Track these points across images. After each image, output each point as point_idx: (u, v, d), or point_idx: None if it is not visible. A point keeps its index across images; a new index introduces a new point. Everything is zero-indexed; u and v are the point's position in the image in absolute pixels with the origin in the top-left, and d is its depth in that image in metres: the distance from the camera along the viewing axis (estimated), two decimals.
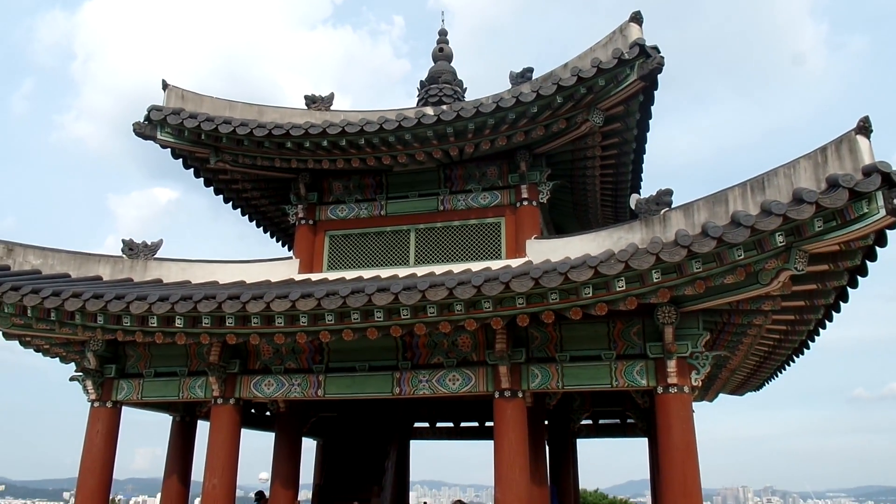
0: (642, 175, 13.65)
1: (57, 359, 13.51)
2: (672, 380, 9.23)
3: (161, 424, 14.18)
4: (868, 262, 8.55)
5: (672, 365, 9.22)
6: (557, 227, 15.55)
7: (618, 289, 8.36)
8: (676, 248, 7.95)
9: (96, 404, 11.90)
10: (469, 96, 15.60)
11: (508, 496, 9.55)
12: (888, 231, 8.00)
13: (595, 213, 14.68)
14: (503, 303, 8.83)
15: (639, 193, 14.19)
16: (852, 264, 8.38)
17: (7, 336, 12.08)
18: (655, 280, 8.27)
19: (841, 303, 9.54)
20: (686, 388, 9.25)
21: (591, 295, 8.50)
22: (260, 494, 14.26)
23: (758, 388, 15.10)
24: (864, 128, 7.81)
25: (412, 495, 18.69)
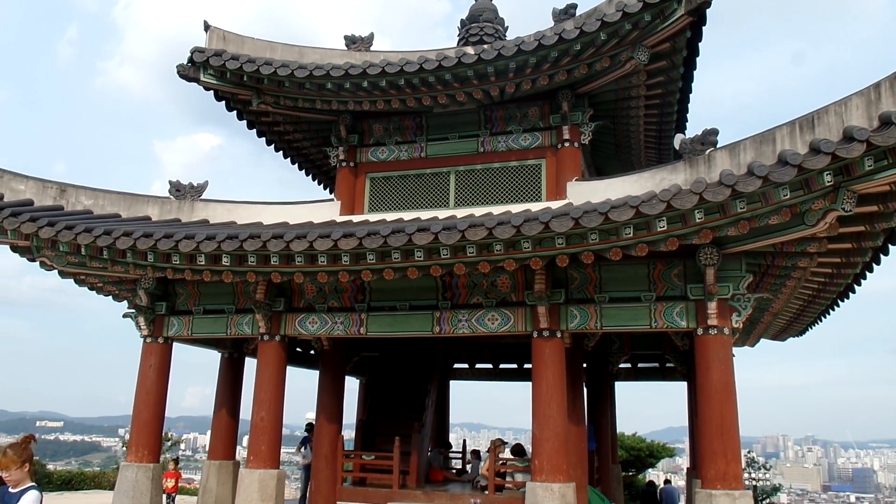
0: (688, 115, 13.36)
1: (110, 297, 14.07)
2: (712, 321, 9.20)
3: (210, 365, 14.72)
4: None
5: (712, 307, 9.18)
6: (599, 170, 15.38)
7: (659, 229, 8.30)
8: (720, 188, 7.83)
9: (149, 340, 12.40)
10: (511, 35, 15.31)
11: (545, 432, 9.76)
12: None
13: (638, 155, 14.45)
14: (542, 243, 8.85)
15: (684, 134, 13.91)
16: None
17: (63, 274, 12.58)
18: (698, 220, 8.18)
19: (890, 245, 9.32)
20: (726, 330, 9.23)
21: (631, 235, 8.46)
22: (310, 426, 14.79)
23: (800, 333, 14.94)
24: None
25: (452, 436, 19.16)
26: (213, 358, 14.67)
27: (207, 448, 14.94)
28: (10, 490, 5.05)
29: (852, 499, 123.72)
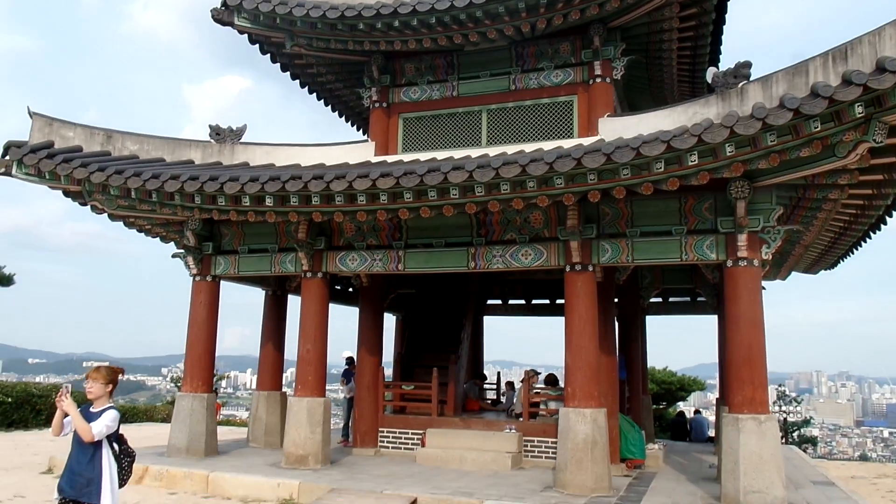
0: (721, 48, 13.24)
1: (157, 238, 14.68)
2: (742, 253, 9.41)
3: (248, 306, 15.34)
4: None
5: (742, 239, 9.38)
6: (632, 105, 15.34)
7: (690, 163, 8.46)
8: (751, 121, 7.94)
9: (197, 278, 13.01)
10: None
11: (578, 361, 10.18)
12: None
13: (671, 89, 14.39)
14: (575, 179, 9.08)
15: (717, 68, 13.81)
16: None
17: (113, 217, 13.16)
18: (729, 154, 8.32)
19: None
20: (756, 262, 9.44)
21: (662, 170, 8.64)
22: (350, 359, 15.43)
23: (832, 266, 15.01)
24: None
25: (486, 372, 19.77)
26: (251, 299, 15.33)
27: (249, 386, 15.73)
28: (91, 409, 5.63)
29: (885, 433, 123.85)
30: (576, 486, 9.63)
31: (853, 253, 13.64)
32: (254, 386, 15.61)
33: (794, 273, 16.68)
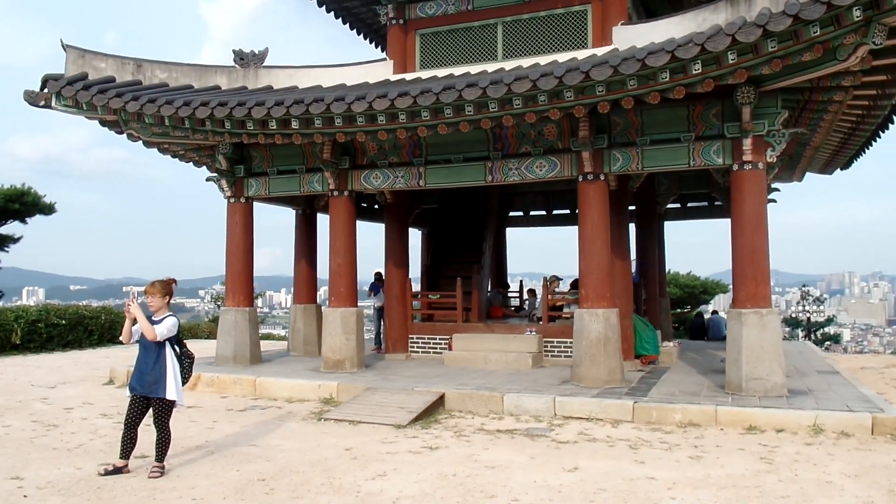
0: None
1: (191, 163, 15.38)
2: (747, 157, 9.79)
3: (277, 227, 16.12)
4: None
5: (748, 143, 9.73)
6: (649, 10, 15.30)
7: (694, 72, 8.76)
8: (752, 28, 8.18)
9: (232, 200, 13.74)
10: None
11: (591, 265, 10.80)
12: None
13: None
14: (584, 91, 9.44)
15: None
16: None
17: (147, 144, 13.81)
18: (731, 61, 8.59)
19: None
20: (760, 165, 9.83)
21: (668, 80, 8.95)
22: (378, 274, 16.27)
23: (846, 165, 15.22)
24: None
25: (515, 282, 20.53)
26: (280, 221, 16.05)
27: (284, 305, 16.66)
28: (154, 318, 6.44)
29: None
30: (590, 380, 10.45)
31: (864, 152, 13.84)
32: (288, 304, 16.59)
33: (815, 175, 16.91)
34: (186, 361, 6.66)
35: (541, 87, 9.29)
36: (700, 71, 8.76)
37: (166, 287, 6.54)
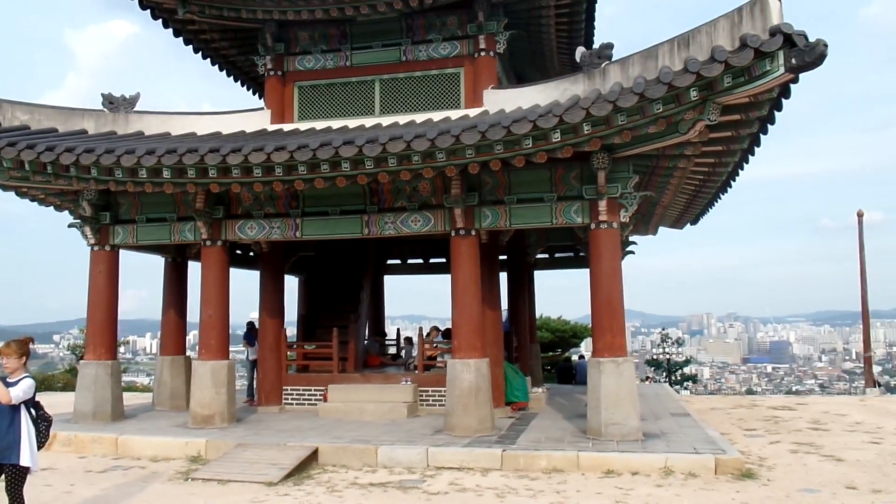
0: (595, 26, 14.31)
1: (51, 207, 14.61)
2: (603, 217, 10.60)
3: (145, 268, 15.62)
4: (776, 112, 9.67)
5: (603, 204, 10.56)
6: (518, 74, 16.31)
7: (554, 140, 9.48)
8: (604, 104, 9.00)
9: (96, 248, 13.16)
10: None
11: (463, 317, 11.21)
12: (791, 85, 9.04)
13: (552, 60, 15.40)
14: (455, 153, 9.94)
15: (592, 43, 14.91)
16: (761, 114, 9.50)
17: (4, 188, 13.04)
18: (587, 131, 9.38)
19: (755, 147, 10.77)
20: (615, 224, 10.66)
21: (531, 145, 9.62)
22: (251, 324, 15.96)
23: (695, 221, 16.69)
24: None
25: (393, 328, 20.70)
26: (148, 261, 15.50)
27: (149, 351, 16.03)
28: (9, 380, 6.14)
29: (769, 369, 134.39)
30: (462, 429, 10.75)
31: (709, 211, 15.27)
32: (153, 350, 16.07)
33: (666, 228, 18.35)
34: (43, 424, 6.36)
35: (414, 148, 9.70)
36: (560, 139, 9.49)
37: (23, 347, 6.25)
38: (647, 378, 32.48)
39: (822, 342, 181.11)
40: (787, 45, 8.36)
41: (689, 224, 17.07)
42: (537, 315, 25.21)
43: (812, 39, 8.32)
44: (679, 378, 34.92)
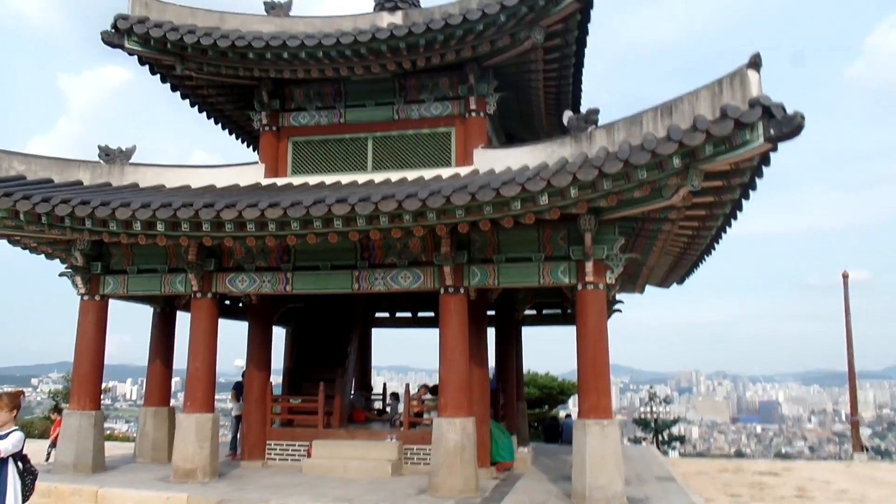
0: (582, 87, 14.76)
1: (42, 255, 14.68)
2: (589, 278, 10.77)
3: (128, 312, 15.56)
4: (757, 179, 9.96)
5: (589, 266, 10.73)
6: (508, 132, 16.69)
7: (542, 202, 9.69)
8: (590, 169, 9.25)
9: (86, 298, 13.19)
10: (424, 2, 16.24)
11: (450, 374, 11.24)
12: (771, 153, 9.33)
13: (541, 120, 15.80)
14: (446, 213, 10.13)
15: (580, 103, 15.37)
16: (742, 181, 9.78)
17: None
18: (574, 195, 9.60)
19: (738, 211, 11.05)
20: (601, 286, 10.82)
21: (520, 208, 9.83)
22: (239, 385, 15.78)
23: (681, 281, 16.90)
24: (755, 63, 8.98)
25: (380, 379, 20.62)
26: (129, 306, 15.25)
27: (129, 397, 15.90)
28: None
29: (758, 429, 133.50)
30: (446, 489, 10.67)
31: (694, 272, 15.49)
32: (134, 397, 15.96)
33: (653, 286, 18.55)
34: (29, 478, 6.36)
35: (406, 208, 9.89)
36: (547, 201, 9.70)
37: (14, 400, 6.28)
38: (643, 439, 32.25)
39: (812, 402, 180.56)
40: (767, 116, 8.67)
41: (675, 283, 17.28)
42: (525, 371, 25.18)
43: (790, 111, 8.64)
44: (667, 438, 34.72)
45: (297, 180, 13.62)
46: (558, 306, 18.53)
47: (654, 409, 35.34)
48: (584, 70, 14.09)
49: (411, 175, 12.97)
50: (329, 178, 13.49)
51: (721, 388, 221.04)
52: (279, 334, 17.44)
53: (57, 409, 19.71)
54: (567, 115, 11.45)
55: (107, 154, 13.64)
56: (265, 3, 14.42)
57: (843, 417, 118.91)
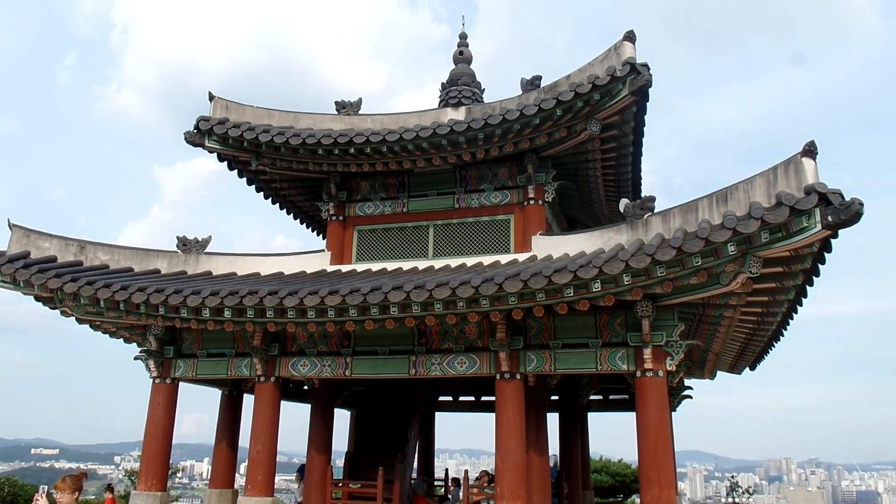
0: (641, 172, 14.85)
1: (121, 340, 15.47)
2: (648, 365, 10.58)
3: (208, 392, 15.98)
4: (819, 265, 9.73)
5: (648, 353, 10.57)
6: (569, 217, 16.85)
7: (594, 289, 9.72)
8: (642, 256, 9.26)
9: (157, 380, 13.76)
10: (487, 96, 16.87)
11: (507, 463, 11.09)
12: (832, 240, 9.15)
13: (600, 206, 15.91)
14: (499, 300, 10.26)
15: (640, 189, 15.42)
16: (804, 267, 9.57)
17: (80, 321, 13.98)
18: (627, 282, 9.60)
19: (802, 298, 10.75)
20: (661, 373, 10.60)
21: (572, 294, 9.87)
22: (303, 468, 15.95)
23: (752, 367, 16.29)
24: (810, 151, 8.96)
25: (451, 463, 20.37)
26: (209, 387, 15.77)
27: (206, 476, 16.14)
28: None
29: None
30: None
31: (765, 357, 14.94)
32: (208, 476, 16.11)
33: (724, 372, 17.91)
34: None
35: (459, 295, 10.08)
36: (600, 288, 9.73)
37: (76, 483, 6.60)
38: None
39: None
40: (823, 203, 8.57)
41: (747, 368, 16.66)
42: (596, 457, 24.38)
43: (847, 198, 8.52)
44: None
45: (360, 267, 14.06)
46: (625, 391, 18.07)
47: (736, 499, 33.24)
48: (642, 157, 14.21)
49: (471, 261, 13.22)
50: (391, 265, 13.87)
51: (814, 476, 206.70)
52: (345, 417, 17.56)
53: (109, 488, 20.29)
54: (623, 202, 11.57)
55: (184, 244, 14.48)
56: (336, 103, 15.30)
57: None
